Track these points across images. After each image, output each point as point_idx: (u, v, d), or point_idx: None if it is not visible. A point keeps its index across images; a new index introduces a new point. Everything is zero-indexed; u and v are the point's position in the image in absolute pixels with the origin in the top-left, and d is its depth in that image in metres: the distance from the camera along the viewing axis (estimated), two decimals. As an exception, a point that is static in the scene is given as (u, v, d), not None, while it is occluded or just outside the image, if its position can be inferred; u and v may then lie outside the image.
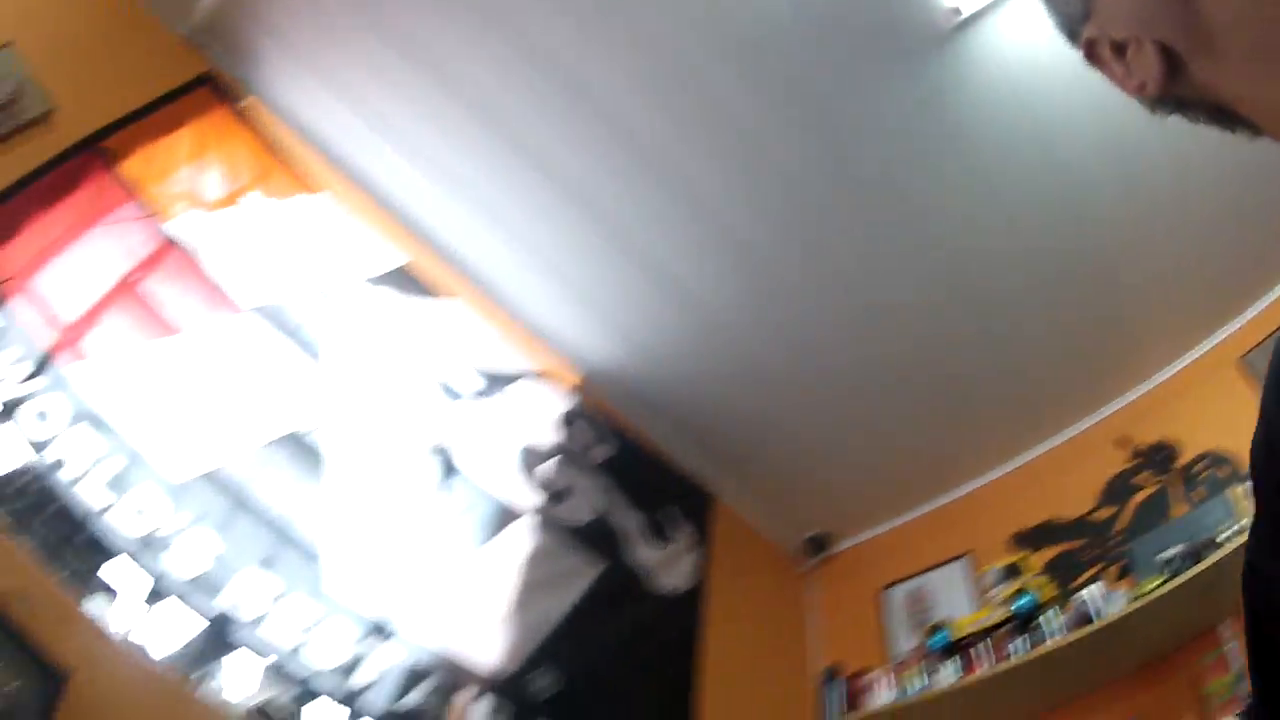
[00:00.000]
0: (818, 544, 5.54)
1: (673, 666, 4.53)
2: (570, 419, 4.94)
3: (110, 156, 3.99)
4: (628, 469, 4.96)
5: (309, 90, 4.50)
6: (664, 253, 4.61)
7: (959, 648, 4.27)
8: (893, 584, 5.07)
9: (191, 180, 4.19)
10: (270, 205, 4.35)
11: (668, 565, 4.80)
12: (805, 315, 4.70)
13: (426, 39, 4.19)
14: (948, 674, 4.22)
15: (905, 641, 4.71)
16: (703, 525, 5.13)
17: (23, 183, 3.75)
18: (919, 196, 4.22)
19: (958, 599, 4.70)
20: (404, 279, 4.66)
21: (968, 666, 4.19)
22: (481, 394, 4.64)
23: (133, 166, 4.04)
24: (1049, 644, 3.92)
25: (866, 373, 4.84)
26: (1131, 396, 4.69)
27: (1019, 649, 4.04)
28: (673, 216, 4.46)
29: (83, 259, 3.80)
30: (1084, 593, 4.03)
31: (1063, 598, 4.17)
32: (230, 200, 4.25)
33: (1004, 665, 4.01)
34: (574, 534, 4.53)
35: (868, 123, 4.05)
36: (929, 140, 4.06)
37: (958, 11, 3.65)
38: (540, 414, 4.84)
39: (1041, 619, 4.08)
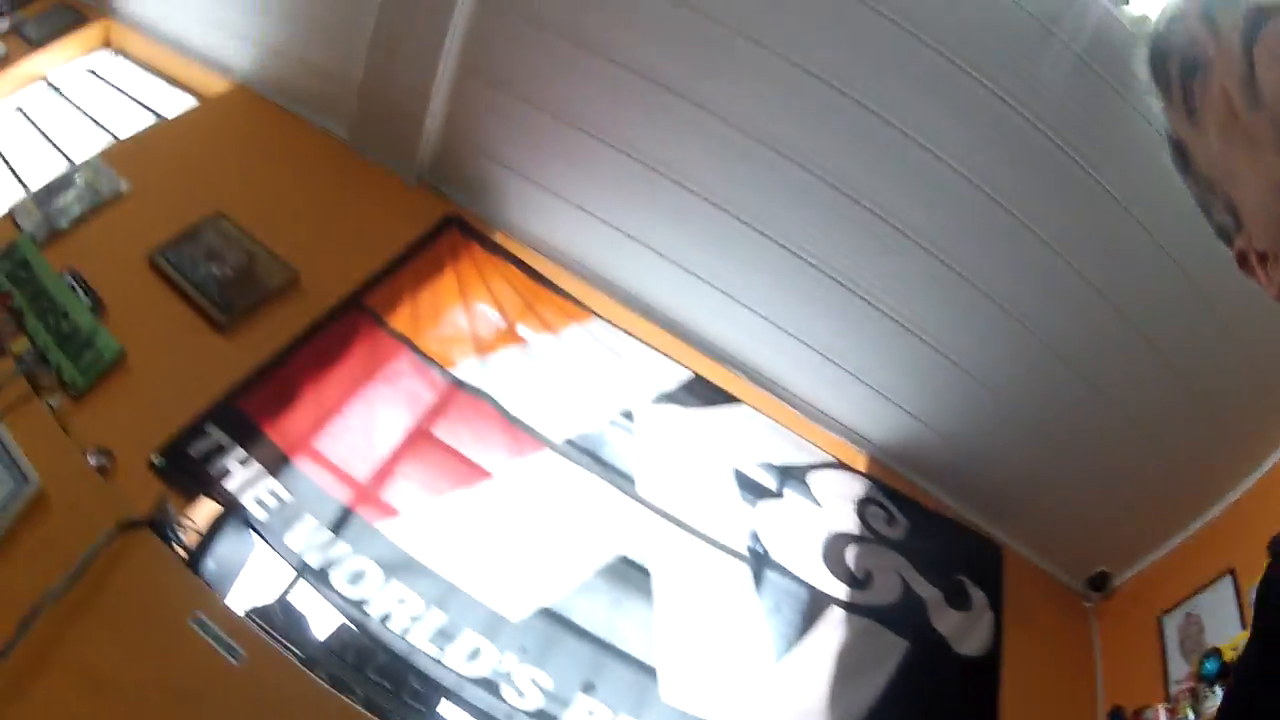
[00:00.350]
0: (1099, 581, 5.30)
1: None
2: (865, 502, 4.78)
3: (375, 312, 3.97)
4: (923, 540, 4.83)
5: (557, 213, 4.42)
6: (937, 327, 4.47)
7: (1227, 673, 3.93)
8: (1167, 611, 4.77)
9: (463, 322, 4.14)
10: (545, 338, 4.25)
11: (968, 629, 4.60)
12: (1072, 362, 4.53)
13: (667, 148, 4.15)
14: (1214, 703, 3.86)
15: (1181, 669, 4.43)
16: (996, 581, 4.95)
17: (290, 349, 3.74)
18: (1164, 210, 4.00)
19: (1227, 618, 4.37)
20: (692, 391, 4.51)
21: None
22: (779, 490, 4.51)
23: (401, 319, 4.01)
24: None
25: (1127, 400, 4.66)
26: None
27: None
28: (942, 291, 4.32)
29: (367, 415, 3.75)
30: None
31: None
32: (506, 338, 4.16)
33: None
34: (879, 616, 4.36)
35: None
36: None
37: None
38: (836, 502, 4.69)
39: None
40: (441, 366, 3.94)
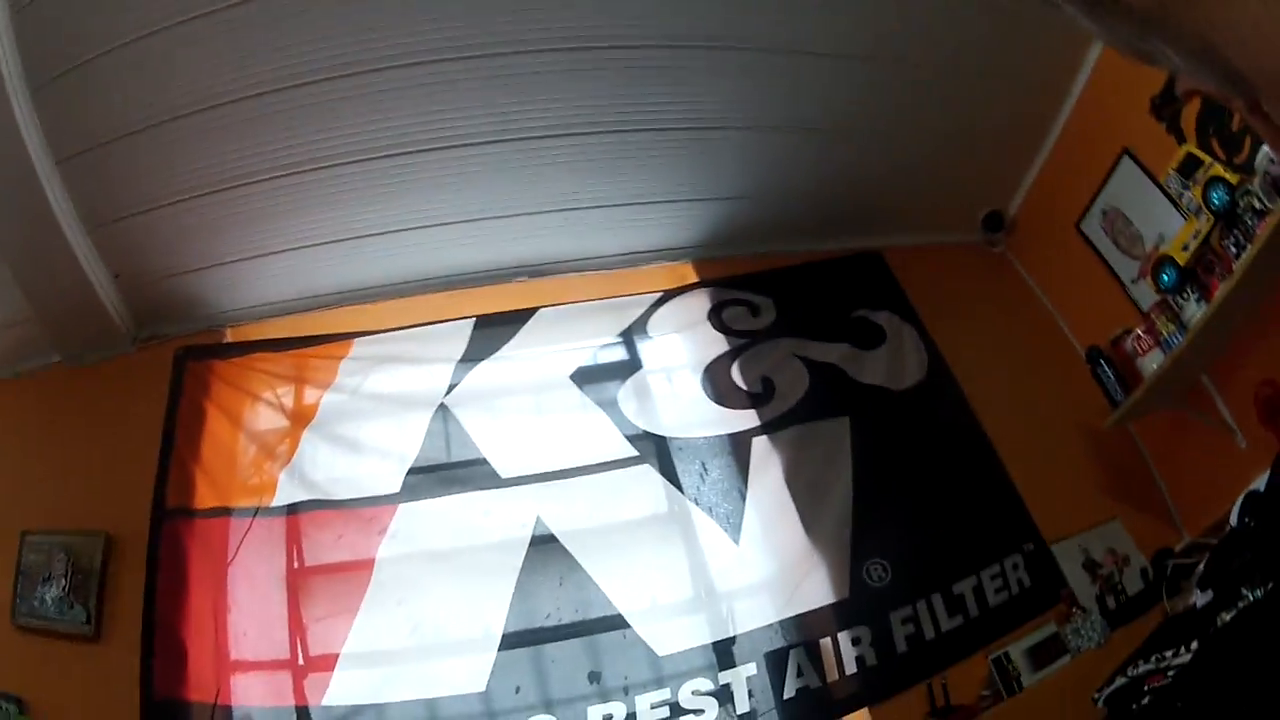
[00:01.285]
0: (994, 221, 5.15)
1: (966, 442, 4.13)
2: (717, 310, 4.37)
3: (181, 508, 3.74)
4: (796, 306, 4.42)
5: (259, 273, 4.04)
6: (667, 106, 3.98)
7: (1190, 276, 3.79)
8: (1080, 218, 4.62)
9: (253, 448, 3.86)
10: (329, 397, 3.94)
11: (897, 359, 4.33)
12: (841, 52, 4.05)
13: (300, 143, 3.70)
14: (1192, 308, 3.77)
15: (1129, 269, 4.32)
16: (894, 290, 4.63)
17: (148, 609, 3.57)
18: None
19: (1147, 196, 4.18)
20: (485, 335, 4.14)
21: (1207, 289, 3.72)
22: (632, 359, 4.16)
23: (204, 495, 3.76)
24: (1269, 224, 3.33)
25: (923, 54, 4.18)
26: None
27: (1240, 244, 3.54)
28: (660, 69, 3.84)
29: (247, 600, 3.58)
30: (1262, 152, 3.40)
31: (1243, 167, 3.61)
32: (296, 428, 3.86)
33: (1240, 270, 3.46)
34: (803, 414, 4.04)
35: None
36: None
37: None
38: (691, 331, 4.31)
39: (1240, 202, 3.53)
40: (265, 506, 3.71)
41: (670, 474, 3.73)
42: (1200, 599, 3.46)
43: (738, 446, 3.86)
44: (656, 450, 3.81)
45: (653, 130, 3.97)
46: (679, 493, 3.68)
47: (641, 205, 4.27)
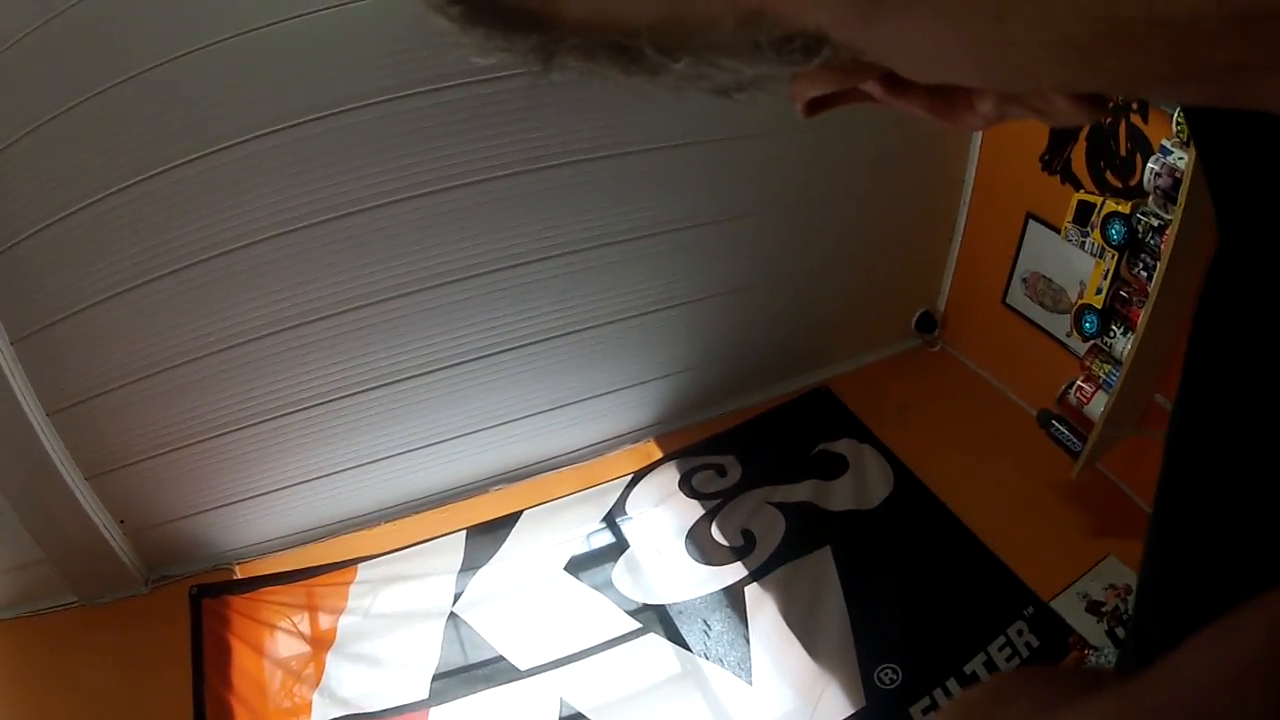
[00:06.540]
0: (925, 322, 5.43)
1: (945, 536, 4.29)
2: (686, 479, 4.63)
3: None
4: (759, 457, 4.67)
5: (256, 511, 4.25)
6: (612, 302, 4.34)
7: (1110, 314, 4.00)
8: (1004, 295, 4.92)
9: (279, 670, 3.98)
10: (344, 621, 4.10)
11: (862, 482, 4.54)
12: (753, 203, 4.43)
13: (283, 389, 4.02)
14: (1121, 342, 3.95)
15: (1062, 325, 4.51)
16: (846, 416, 4.88)
17: None
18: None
19: (1061, 251, 4.42)
20: (477, 545, 4.35)
21: (1129, 320, 3.92)
22: (619, 540, 4.37)
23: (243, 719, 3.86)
24: (1170, 235, 3.49)
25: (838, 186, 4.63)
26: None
27: (1149, 265, 3.74)
28: (607, 266, 4.21)
29: None
30: (1148, 168, 3.61)
31: (1136, 190, 3.87)
32: (318, 653, 4.00)
33: (1155, 289, 3.58)
34: (785, 555, 4.22)
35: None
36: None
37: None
38: (667, 505, 4.53)
39: (1139, 227, 3.76)
40: (302, 721, 3.89)
41: (676, 637, 3.91)
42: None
43: (733, 598, 4.04)
44: (659, 618, 4.00)
45: (596, 327, 4.25)
46: (688, 652, 3.86)
47: (598, 398, 4.53)
